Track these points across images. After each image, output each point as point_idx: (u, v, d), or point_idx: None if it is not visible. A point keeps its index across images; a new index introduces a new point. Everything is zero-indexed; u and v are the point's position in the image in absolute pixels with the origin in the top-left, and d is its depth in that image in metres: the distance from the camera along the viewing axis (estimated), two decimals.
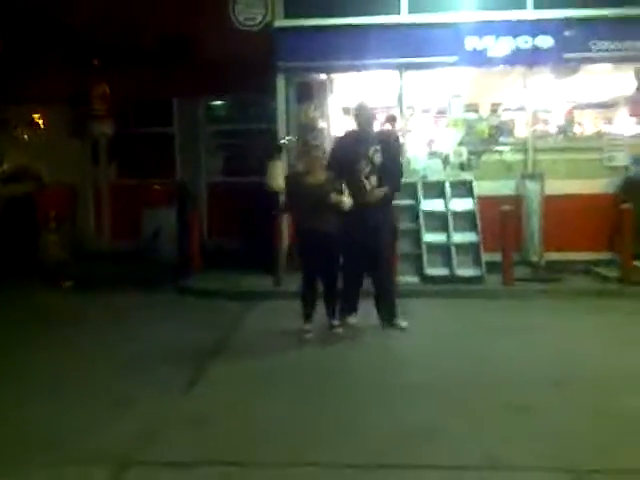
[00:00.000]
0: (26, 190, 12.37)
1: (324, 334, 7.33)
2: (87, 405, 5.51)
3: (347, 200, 7.06)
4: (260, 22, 10.39)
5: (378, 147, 7.33)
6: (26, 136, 13.73)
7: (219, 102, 13.66)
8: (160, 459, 4.54)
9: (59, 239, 12.05)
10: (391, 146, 7.61)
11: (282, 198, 8.12)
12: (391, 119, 10.86)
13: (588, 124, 11.26)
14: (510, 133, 10.74)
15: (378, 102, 11.25)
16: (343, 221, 7.12)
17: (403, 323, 7.60)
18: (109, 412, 5.34)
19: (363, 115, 7.54)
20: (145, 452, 4.63)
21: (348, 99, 11.04)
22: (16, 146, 13.58)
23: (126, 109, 12.88)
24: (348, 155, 7.35)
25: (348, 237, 7.21)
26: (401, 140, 10.33)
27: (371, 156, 7.30)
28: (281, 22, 10.42)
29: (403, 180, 10.15)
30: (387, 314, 7.65)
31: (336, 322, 7.43)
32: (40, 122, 13.63)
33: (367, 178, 7.28)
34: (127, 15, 12.09)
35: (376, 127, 8.30)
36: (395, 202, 9.71)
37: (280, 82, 10.61)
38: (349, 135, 7.94)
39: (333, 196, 7.04)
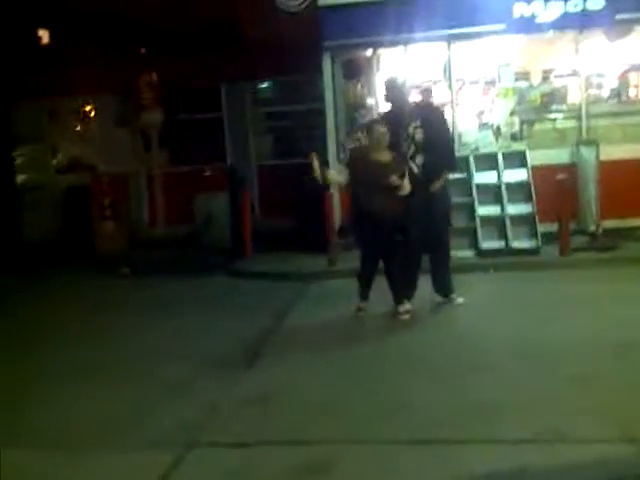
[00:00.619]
0: (81, 181, 12.64)
1: (386, 318, 7.19)
2: (147, 390, 5.57)
3: (407, 185, 6.76)
4: (303, 2, 10.32)
5: (418, 123, 6.95)
6: (78, 127, 13.98)
7: (266, 85, 13.67)
8: (223, 440, 4.57)
9: (115, 227, 12.29)
10: (433, 118, 7.19)
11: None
12: (426, 92, 10.62)
13: None
14: (563, 100, 10.50)
15: (426, 75, 11.14)
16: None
17: (459, 299, 7.44)
18: (169, 395, 5.40)
19: (394, 91, 7.16)
20: (207, 434, 4.67)
21: (396, 74, 10.92)
22: (69, 137, 13.87)
23: (174, 96, 12.98)
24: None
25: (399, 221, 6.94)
26: (444, 110, 10.14)
27: (412, 134, 6.93)
28: (325, 1, 10.33)
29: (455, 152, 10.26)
30: (444, 290, 7.47)
31: (402, 308, 7.11)
32: (90, 113, 13.84)
33: (413, 159, 6.94)
34: (171, 2, 12.17)
35: (412, 101, 7.83)
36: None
37: (326, 61, 10.57)
38: (384, 117, 7.51)
39: (394, 178, 6.70)
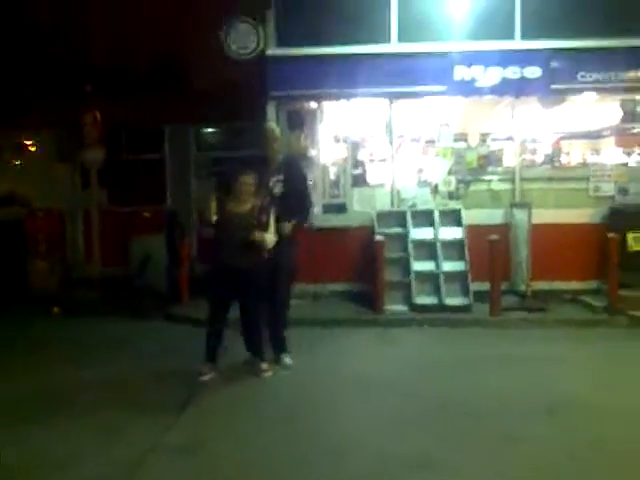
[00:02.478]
0: (15, 215, 12.38)
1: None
2: (76, 432, 5.50)
3: (269, 237, 6.77)
4: (253, 51, 10.45)
5: (281, 177, 7.03)
6: (16, 161, 13.75)
7: (210, 129, 13.72)
8: None
9: (48, 265, 12.05)
10: (294, 172, 7.26)
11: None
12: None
13: (575, 154, 11.37)
14: (498, 162, 10.83)
15: (367, 130, 11.37)
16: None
17: (287, 359, 7.29)
18: (99, 439, 5.33)
19: (268, 139, 7.16)
20: None
21: (339, 127, 11.12)
22: (5, 171, 13.61)
23: (117, 136, 12.92)
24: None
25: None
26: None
27: (271, 188, 6.99)
28: (273, 51, 10.50)
29: (392, 209, 10.45)
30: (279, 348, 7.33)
31: (264, 365, 7.03)
32: (30, 147, 13.66)
33: (263, 211, 6.80)
34: (119, 42, 12.20)
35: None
36: (383, 231, 9.94)
37: (271, 110, 10.67)
38: (251, 161, 7.43)
39: (256, 234, 6.68)
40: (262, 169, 6.99)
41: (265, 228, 6.75)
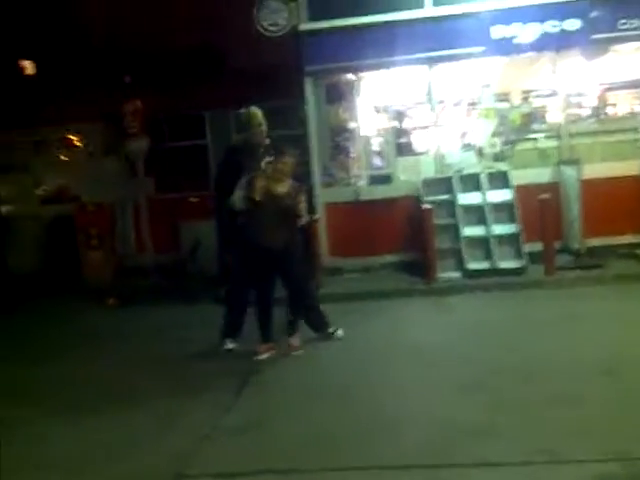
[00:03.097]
0: (66, 211, 12.60)
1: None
2: (134, 419, 5.59)
3: (303, 211, 6.97)
4: (284, 27, 10.39)
5: (271, 158, 6.98)
6: (63, 157, 13.97)
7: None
8: (209, 471, 4.57)
9: (101, 257, 12.26)
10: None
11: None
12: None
13: (622, 105, 11.01)
14: (543, 120, 10.59)
15: (408, 98, 11.23)
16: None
17: (339, 332, 7.35)
18: (157, 426, 5.42)
19: (258, 121, 7.20)
20: (195, 465, 4.67)
21: (378, 97, 11.01)
22: (54, 167, 13.86)
23: (160, 124, 13.01)
24: (239, 171, 6.94)
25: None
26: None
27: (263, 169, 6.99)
28: (305, 25, 10.43)
29: (438, 175, 10.35)
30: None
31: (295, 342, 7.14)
32: (76, 142, 13.85)
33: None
34: (155, 31, 12.25)
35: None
36: (431, 198, 9.84)
37: (308, 85, 10.63)
38: (239, 148, 7.49)
39: (297, 206, 6.83)
40: (253, 155, 7.06)
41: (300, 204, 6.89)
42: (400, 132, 11.16)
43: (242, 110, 7.61)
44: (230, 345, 7.29)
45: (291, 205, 6.79)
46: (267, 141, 7.34)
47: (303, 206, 6.93)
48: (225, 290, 7.64)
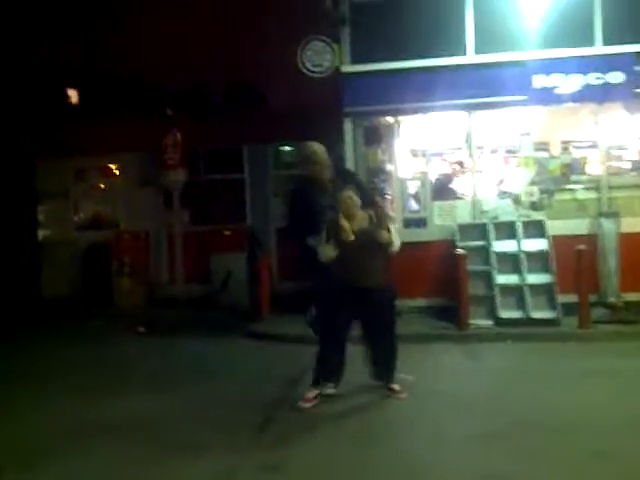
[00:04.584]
0: (102, 237, 12.76)
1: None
2: (160, 453, 5.52)
3: (396, 237, 6.45)
4: (327, 68, 10.49)
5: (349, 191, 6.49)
6: (102, 185, 14.19)
7: (288, 148, 13.85)
8: None
9: (134, 285, 12.36)
10: (358, 185, 6.83)
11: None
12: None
13: None
14: (582, 171, 10.51)
15: (446, 143, 11.25)
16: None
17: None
18: (184, 459, 5.36)
19: (319, 158, 6.72)
20: None
21: (417, 141, 11.04)
22: (92, 195, 14.08)
23: (198, 157, 13.18)
24: (313, 208, 6.58)
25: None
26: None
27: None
28: (348, 67, 10.53)
29: (473, 221, 10.29)
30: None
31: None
32: (115, 171, 14.07)
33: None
34: (198, 65, 12.46)
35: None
36: (465, 244, 9.79)
37: (347, 126, 10.68)
38: (306, 185, 6.92)
39: (384, 234, 6.33)
40: (315, 190, 6.68)
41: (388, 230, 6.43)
42: (437, 176, 11.15)
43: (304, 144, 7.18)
44: (329, 390, 6.73)
45: (377, 235, 6.33)
46: (330, 175, 6.85)
47: (392, 231, 6.46)
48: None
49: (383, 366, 6.75)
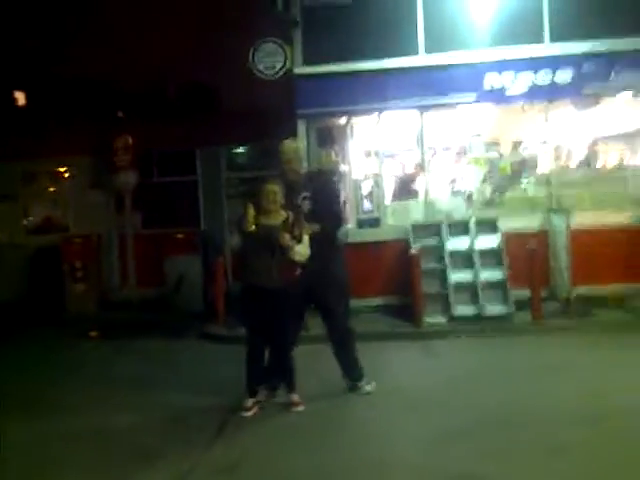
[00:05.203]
0: (52, 241, 12.54)
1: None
2: (113, 458, 5.44)
3: (302, 249, 6.25)
4: (279, 70, 10.45)
5: (307, 194, 6.53)
6: (52, 188, 13.94)
7: (241, 150, 13.78)
8: None
9: (85, 289, 12.17)
10: (322, 189, 6.80)
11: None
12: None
13: (611, 156, 11.16)
14: (533, 169, 10.69)
15: (399, 143, 11.31)
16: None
17: (367, 387, 6.77)
18: (137, 464, 5.28)
19: (287, 157, 6.63)
20: None
21: (370, 141, 11.08)
22: (42, 198, 13.83)
23: (149, 159, 13.03)
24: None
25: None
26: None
27: (299, 205, 6.50)
28: (300, 69, 10.53)
29: (426, 221, 10.35)
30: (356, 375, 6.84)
31: (295, 398, 6.44)
32: (65, 174, 13.83)
33: (296, 224, 6.34)
34: (149, 67, 12.33)
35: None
36: (419, 243, 9.84)
37: (301, 128, 10.67)
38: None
39: (286, 238, 6.17)
40: (287, 188, 6.54)
41: (298, 241, 6.27)
42: (390, 177, 11.20)
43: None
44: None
45: (279, 237, 6.18)
46: (302, 174, 6.79)
47: (304, 241, 6.30)
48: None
49: (274, 373, 6.57)
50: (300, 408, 6.35)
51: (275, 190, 6.26)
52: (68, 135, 12.52)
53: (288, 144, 6.80)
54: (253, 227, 6.21)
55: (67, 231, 13.23)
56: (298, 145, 7.11)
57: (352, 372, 6.80)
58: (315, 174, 7.52)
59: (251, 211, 6.25)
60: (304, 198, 6.53)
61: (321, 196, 6.66)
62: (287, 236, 6.19)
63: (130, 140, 12.10)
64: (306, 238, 6.35)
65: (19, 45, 12.84)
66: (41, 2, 12.36)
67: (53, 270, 12.28)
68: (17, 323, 11.11)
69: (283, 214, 6.33)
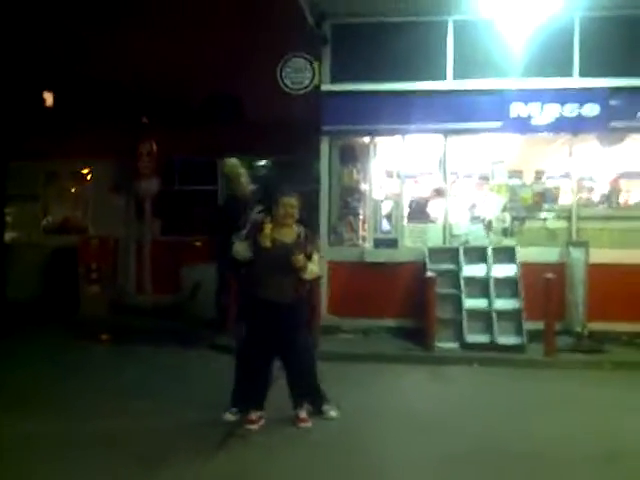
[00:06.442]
0: (70, 242, 12.60)
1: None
2: (117, 464, 5.41)
3: (314, 268, 6.23)
4: (307, 86, 10.53)
5: (261, 207, 6.56)
6: (73, 189, 14.03)
7: (263, 162, 13.83)
8: None
9: (100, 291, 12.20)
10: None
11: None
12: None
13: (634, 193, 11.10)
14: (554, 200, 10.62)
15: (421, 166, 11.31)
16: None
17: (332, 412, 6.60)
18: (140, 471, 5.26)
19: (234, 176, 6.72)
20: None
21: (392, 162, 11.09)
22: (63, 199, 13.91)
23: (171, 167, 13.09)
24: (230, 228, 6.54)
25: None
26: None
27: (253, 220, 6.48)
28: (327, 86, 10.59)
29: (444, 245, 10.33)
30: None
31: (302, 414, 6.36)
32: (87, 176, 13.91)
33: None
34: (176, 75, 12.43)
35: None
36: (435, 267, 9.82)
37: (324, 144, 10.72)
38: (228, 202, 7.11)
39: (299, 258, 6.04)
40: (239, 206, 6.61)
41: (309, 258, 6.19)
42: (410, 199, 11.20)
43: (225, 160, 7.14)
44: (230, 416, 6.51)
45: (293, 256, 6.06)
46: (250, 191, 6.87)
47: (314, 258, 6.25)
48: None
49: (296, 391, 6.46)
50: (307, 424, 6.30)
51: (292, 203, 6.17)
52: (92, 137, 12.61)
53: (231, 162, 6.82)
54: (269, 243, 6.10)
55: (86, 233, 13.29)
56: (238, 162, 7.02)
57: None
58: (268, 187, 7.27)
59: (269, 225, 6.12)
60: (260, 212, 6.52)
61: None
62: (302, 258, 6.09)
63: (154, 146, 12.18)
64: (316, 257, 6.31)
65: (48, 46, 12.97)
66: (72, 4, 12.49)
67: (69, 271, 12.34)
68: (29, 322, 11.15)
69: (296, 229, 6.27)
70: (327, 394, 6.65)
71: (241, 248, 6.20)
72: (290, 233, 6.23)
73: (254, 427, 6.22)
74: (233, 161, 6.83)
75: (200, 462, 5.43)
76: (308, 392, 6.49)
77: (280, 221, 6.16)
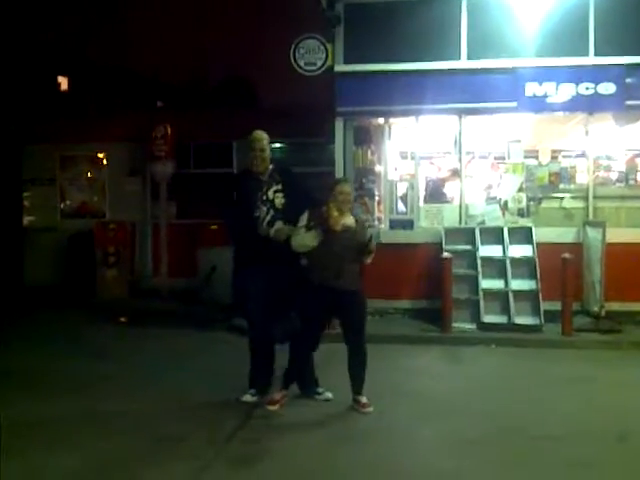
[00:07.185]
0: (86, 226, 12.70)
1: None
2: (136, 444, 5.48)
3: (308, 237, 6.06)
4: (320, 67, 10.49)
5: (279, 187, 6.39)
6: (89, 173, 14.10)
7: (278, 145, 13.81)
8: None
9: (117, 274, 12.31)
10: (294, 183, 6.53)
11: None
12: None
13: None
14: (571, 180, 10.57)
15: (436, 146, 11.28)
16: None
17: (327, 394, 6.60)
18: (161, 451, 5.34)
19: (256, 148, 6.37)
20: None
21: (407, 143, 11.06)
22: (79, 183, 13.99)
23: (187, 150, 13.12)
24: (242, 202, 6.38)
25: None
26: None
27: (271, 199, 6.35)
28: (341, 67, 10.54)
29: (460, 225, 10.31)
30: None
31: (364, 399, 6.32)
32: (103, 160, 13.97)
33: (271, 224, 6.29)
34: (191, 59, 12.45)
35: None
36: (451, 247, 9.82)
37: (339, 126, 10.68)
38: (242, 176, 6.83)
39: (372, 244, 6.04)
40: (255, 183, 6.42)
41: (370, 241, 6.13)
42: (426, 179, 11.17)
43: None
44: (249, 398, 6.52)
45: (361, 241, 6.06)
46: (268, 169, 6.50)
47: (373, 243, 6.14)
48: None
49: (353, 376, 6.40)
50: (369, 410, 6.22)
51: (347, 191, 6.19)
52: (108, 121, 12.66)
53: (260, 133, 6.56)
54: (339, 227, 6.04)
55: (103, 217, 13.38)
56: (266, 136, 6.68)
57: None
58: (284, 166, 7.04)
59: (335, 211, 6.04)
60: (276, 192, 6.39)
61: (295, 189, 6.46)
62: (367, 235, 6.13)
63: (169, 130, 12.20)
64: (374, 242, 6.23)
65: (63, 31, 13.01)
66: None
67: (86, 255, 12.44)
68: (47, 306, 11.26)
69: (351, 217, 6.23)
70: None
71: (308, 239, 6.09)
72: (349, 219, 6.20)
73: (275, 408, 6.26)
74: (264, 134, 6.60)
75: (220, 442, 5.48)
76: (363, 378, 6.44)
77: (339, 207, 6.09)
